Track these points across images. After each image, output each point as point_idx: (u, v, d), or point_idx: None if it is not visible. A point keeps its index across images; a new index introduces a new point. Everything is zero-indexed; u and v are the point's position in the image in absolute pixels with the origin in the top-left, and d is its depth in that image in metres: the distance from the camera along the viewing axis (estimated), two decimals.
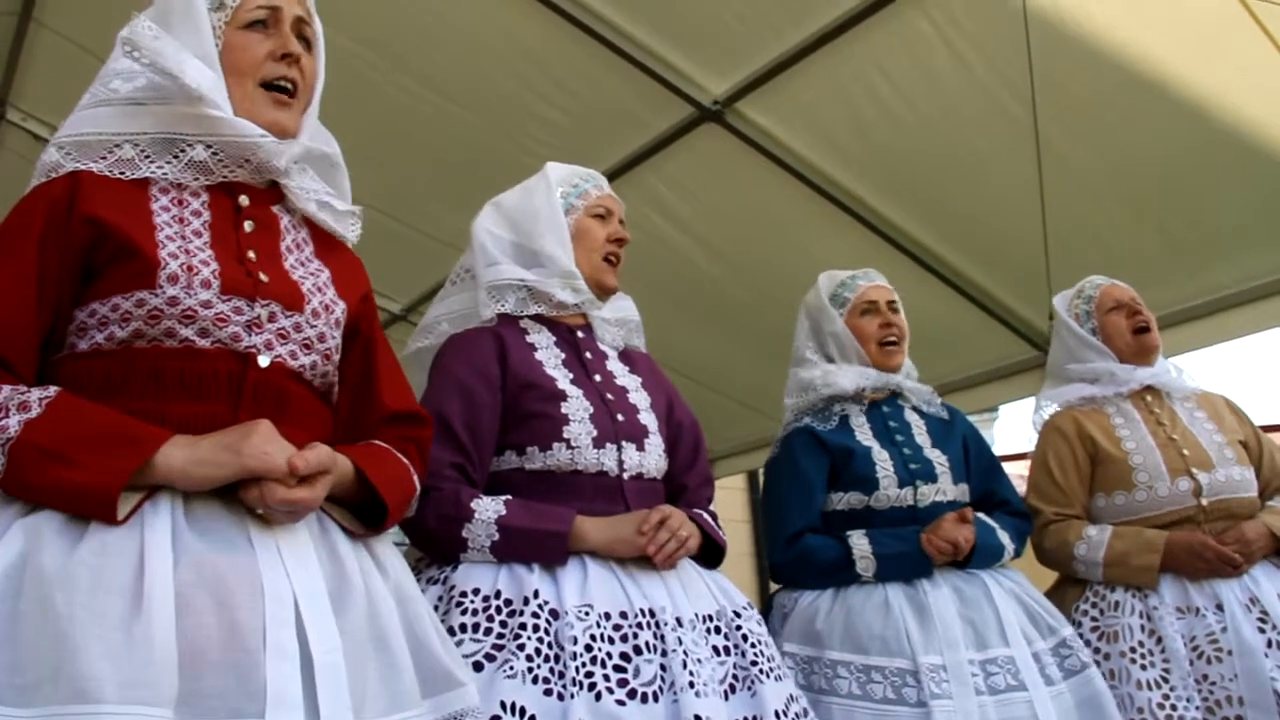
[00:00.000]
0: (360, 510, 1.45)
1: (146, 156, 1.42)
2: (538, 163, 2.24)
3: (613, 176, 3.69)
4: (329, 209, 1.59)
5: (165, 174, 1.42)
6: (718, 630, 1.83)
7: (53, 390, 1.26)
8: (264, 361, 1.38)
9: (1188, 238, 3.40)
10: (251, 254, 1.44)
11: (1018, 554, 2.49)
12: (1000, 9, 2.89)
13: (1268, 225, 3.25)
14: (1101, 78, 2.99)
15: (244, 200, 1.49)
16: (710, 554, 2.00)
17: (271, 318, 1.40)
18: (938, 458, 2.47)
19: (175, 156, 1.43)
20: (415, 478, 1.56)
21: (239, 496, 1.29)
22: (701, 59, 3.37)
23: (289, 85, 1.51)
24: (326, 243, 1.59)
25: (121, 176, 1.40)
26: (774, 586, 2.56)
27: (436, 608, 1.70)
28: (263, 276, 1.42)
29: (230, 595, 1.20)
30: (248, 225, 1.47)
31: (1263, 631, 2.32)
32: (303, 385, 1.45)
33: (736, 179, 3.73)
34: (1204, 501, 2.49)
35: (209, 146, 1.44)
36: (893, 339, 2.57)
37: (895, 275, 2.77)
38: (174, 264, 1.35)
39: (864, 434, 2.49)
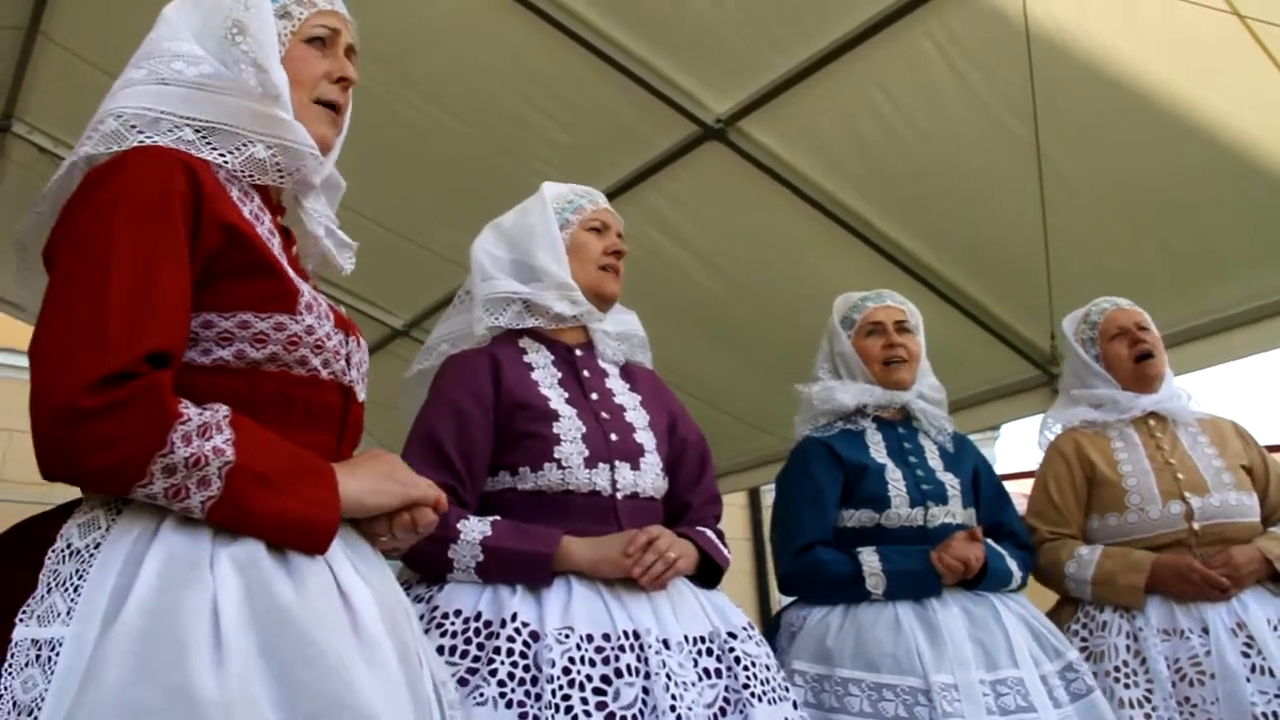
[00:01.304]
0: None
1: (207, 142, 1.36)
2: (540, 180, 2.25)
3: (615, 194, 3.70)
4: (334, 237, 1.57)
5: (226, 162, 1.36)
6: (709, 652, 1.80)
7: (226, 409, 1.20)
8: (362, 396, 1.41)
9: (1190, 257, 3.39)
10: (312, 282, 1.44)
11: (1023, 584, 2.49)
12: (1002, 29, 2.90)
13: (1270, 245, 3.25)
14: (1103, 97, 2.99)
15: (280, 220, 1.47)
16: (709, 573, 1.99)
17: (355, 351, 1.42)
18: (950, 480, 2.48)
19: (236, 149, 1.37)
20: None
21: (382, 522, 1.34)
22: (705, 77, 3.38)
23: (338, 107, 1.51)
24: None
25: (207, 161, 1.36)
26: (775, 604, 2.56)
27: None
28: (339, 307, 1.43)
29: (396, 620, 1.25)
30: (295, 249, 1.47)
31: (1247, 656, 2.32)
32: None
33: (739, 197, 3.73)
34: (1195, 525, 2.50)
35: (269, 147, 1.40)
36: (896, 358, 2.57)
37: (896, 293, 2.78)
38: (306, 291, 1.33)
39: (878, 451, 2.50)
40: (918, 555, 2.32)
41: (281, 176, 1.42)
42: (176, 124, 1.34)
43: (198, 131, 1.35)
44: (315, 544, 1.19)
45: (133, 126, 1.32)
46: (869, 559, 2.33)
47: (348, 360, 1.38)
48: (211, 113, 1.36)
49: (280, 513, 1.16)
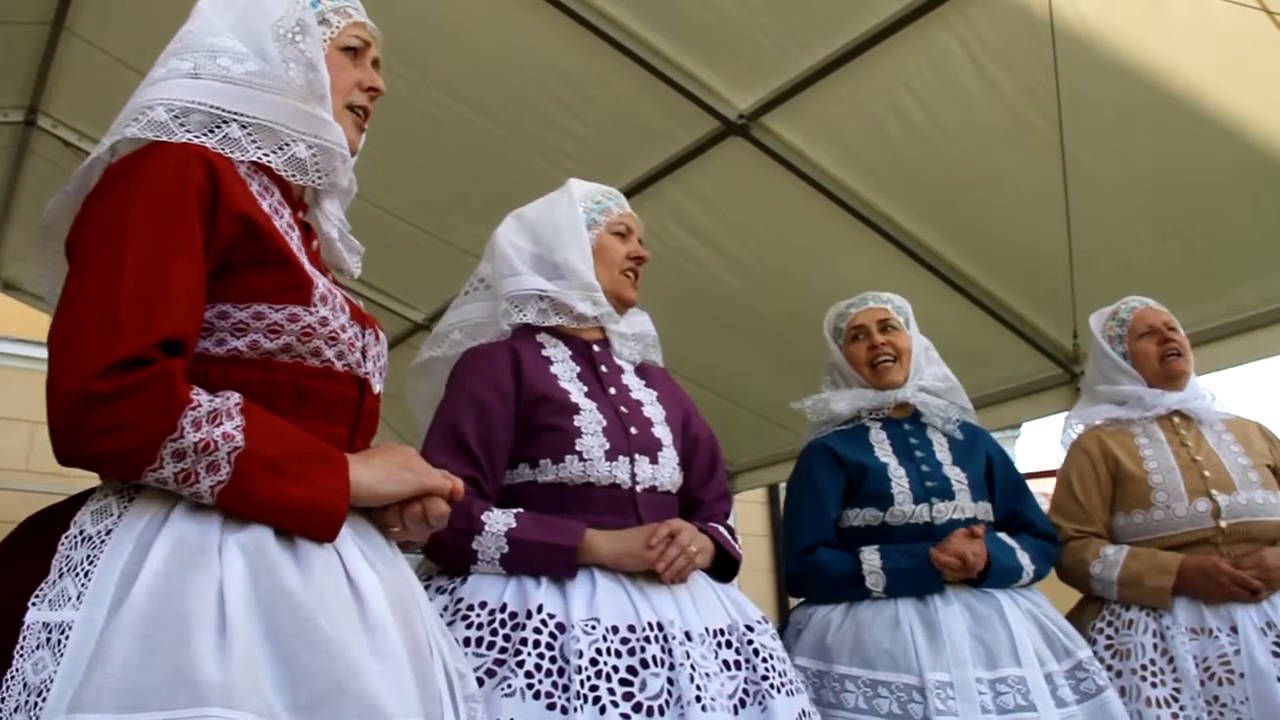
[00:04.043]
0: None
1: (252, 140, 1.38)
2: (563, 175, 2.26)
3: (637, 189, 3.71)
4: (345, 240, 1.59)
5: (270, 162, 1.38)
6: (729, 644, 1.82)
7: (238, 396, 1.21)
8: (378, 388, 1.42)
9: (1214, 256, 3.37)
10: (330, 276, 1.45)
11: (1039, 576, 2.47)
12: (1026, 26, 2.88)
13: None
14: (1128, 95, 2.97)
15: (301, 216, 1.48)
16: (724, 568, 2.00)
17: (372, 344, 1.43)
18: (956, 475, 2.47)
19: (280, 148, 1.40)
20: None
21: (393, 512, 1.35)
22: (727, 73, 3.38)
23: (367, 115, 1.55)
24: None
25: (229, 157, 1.37)
26: (793, 601, 2.57)
27: (442, 618, 1.71)
28: (357, 301, 1.44)
29: (407, 610, 1.27)
30: (315, 244, 1.48)
31: (1277, 656, 2.30)
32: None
33: (761, 193, 3.73)
34: (1222, 524, 2.48)
35: (310, 147, 1.42)
36: (882, 358, 2.57)
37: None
38: (321, 283, 1.34)
39: (883, 450, 2.50)
40: (918, 553, 2.32)
41: (320, 176, 1.45)
42: (225, 118, 1.36)
43: (244, 128, 1.37)
44: (323, 531, 1.20)
45: (178, 119, 1.33)
46: (869, 557, 2.34)
47: (363, 353, 1.39)
48: (258, 110, 1.38)
49: (288, 499, 1.18)
